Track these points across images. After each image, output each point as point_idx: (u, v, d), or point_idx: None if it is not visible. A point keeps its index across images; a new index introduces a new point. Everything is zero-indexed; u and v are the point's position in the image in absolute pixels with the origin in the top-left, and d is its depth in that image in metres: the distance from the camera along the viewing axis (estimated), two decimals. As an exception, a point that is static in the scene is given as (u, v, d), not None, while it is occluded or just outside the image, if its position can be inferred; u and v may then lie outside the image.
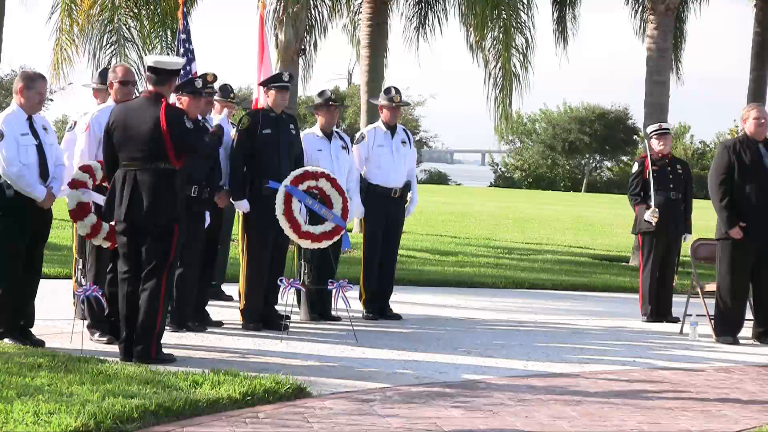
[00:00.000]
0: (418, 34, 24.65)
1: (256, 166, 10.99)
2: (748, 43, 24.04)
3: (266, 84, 11.35)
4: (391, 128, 12.27)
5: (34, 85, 9.39)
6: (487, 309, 13.65)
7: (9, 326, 9.34)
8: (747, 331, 11.73)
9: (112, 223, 9.28)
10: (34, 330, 9.49)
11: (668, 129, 13.37)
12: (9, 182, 9.22)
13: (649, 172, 12.96)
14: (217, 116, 11.51)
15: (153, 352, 8.95)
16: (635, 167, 13.26)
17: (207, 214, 10.72)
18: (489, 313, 13.30)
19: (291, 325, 11.06)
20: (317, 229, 10.81)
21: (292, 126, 11.27)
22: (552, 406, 8.10)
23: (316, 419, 7.36)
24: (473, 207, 41.68)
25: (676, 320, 12.67)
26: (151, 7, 20.68)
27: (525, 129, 78.77)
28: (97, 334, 9.81)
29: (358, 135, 12.47)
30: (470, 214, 36.33)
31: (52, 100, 50.28)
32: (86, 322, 9.81)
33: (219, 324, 11.00)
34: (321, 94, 11.87)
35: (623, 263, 21.10)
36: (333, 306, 11.59)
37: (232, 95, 12.15)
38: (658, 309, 12.95)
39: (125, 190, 9.00)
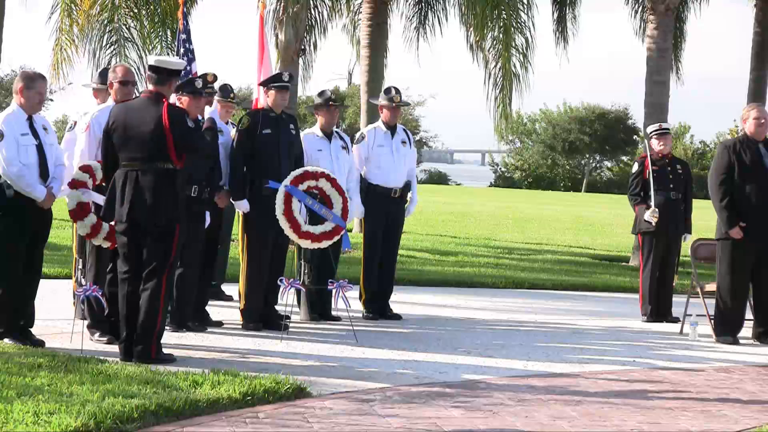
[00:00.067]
0: (418, 34, 24.66)
1: (256, 166, 10.99)
2: (748, 43, 24.06)
3: (266, 84, 11.35)
4: (391, 128, 12.27)
5: (34, 85, 9.39)
6: (487, 309, 13.65)
7: (9, 326, 9.35)
8: (747, 331, 11.73)
9: (112, 223, 9.28)
10: (34, 330, 9.49)
11: (668, 129, 13.37)
12: (9, 182, 9.22)
13: (649, 172, 12.96)
14: (208, 109, 11.42)
15: (153, 352, 8.95)
16: (635, 167, 13.26)
17: (207, 214, 10.72)
18: (489, 313, 13.30)
19: (291, 325, 11.06)
20: (317, 229, 10.81)
21: (292, 126, 11.27)
22: (552, 406, 8.10)
23: (316, 419, 7.36)
24: (473, 207, 41.68)
25: (676, 320, 12.67)
26: (151, 7, 20.67)
27: (525, 129, 78.78)
28: (97, 334, 9.81)
29: (358, 135, 12.47)
30: (470, 214, 36.33)
31: (52, 100, 50.27)
32: (86, 322, 9.81)
33: (219, 324, 11.01)
34: (321, 94, 11.87)
35: (623, 263, 21.09)
36: (333, 306, 11.59)
37: (232, 95, 12.14)
38: (658, 309, 12.95)
39: (126, 191, 9.00)
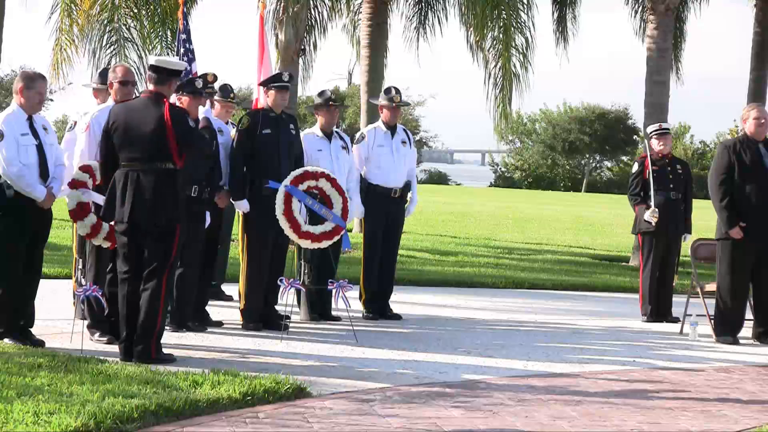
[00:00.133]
0: (418, 34, 24.66)
1: (256, 166, 10.99)
2: (748, 43, 24.06)
3: (266, 84, 11.35)
4: (391, 128, 12.27)
5: (34, 85, 9.39)
6: (487, 309, 13.65)
7: (9, 326, 9.35)
8: (747, 331, 11.73)
9: (112, 223, 9.28)
10: (34, 330, 9.49)
11: (668, 129, 13.37)
12: (9, 182, 9.22)
13: (649, 172, 12.96)
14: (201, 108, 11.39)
15: (153, 352, 8.95)
16: (635, 167, 13.26)
17: (207, 214, 10.72)
18: (489, 313, 13.30)
19: (291, 325, 11.06)
20: (317, 229, 10.81)
21: (292, 126, 11.27)
22: (552, 406, 8.10)
23: (316, 419, 7.36)
24: (473, 207, 41.68)
25: (676, 320, 12.67)
26: (151, 7, 20.67)
27: (525, 129, 78.79)
28: (97, 334, 9.81)
29: (358, 135, 12.47)
30: (470, 214, 36.32)
31: (52, 100, 50.26)
32: (86, 322, 9.81)
33: (219, 324, 11.01)
34: (321, 94, 11.87)
35: (623, 263, 21.10)
36: (333, 306, 11.59)
37: (232, 95, 12.13)
38: (658, 309, 12.95)
39: (127, 191, 8.99)
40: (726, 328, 11.62)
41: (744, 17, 27.00)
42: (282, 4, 19.40)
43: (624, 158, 75.47)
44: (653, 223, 12.84)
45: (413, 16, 24.68)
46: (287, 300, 10.88)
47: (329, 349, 10.10)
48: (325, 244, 10.88)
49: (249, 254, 11.02)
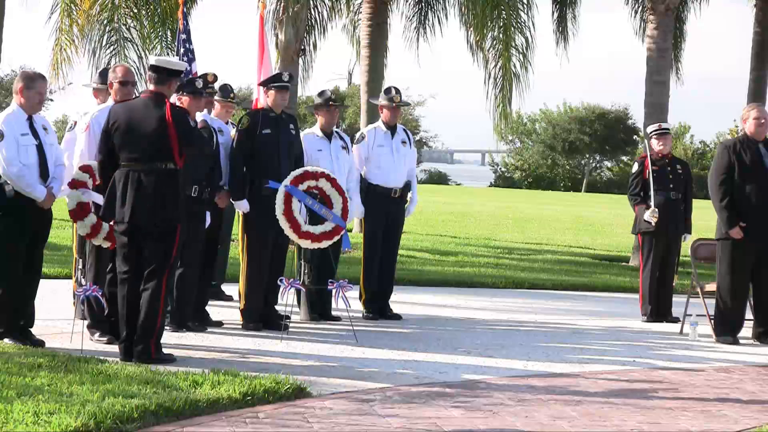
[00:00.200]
0: (418, 34, 24.66)
1: (255, 166, 10.99)
2: (748, 43, 24.06)
3: (266, 84, 11.35)
4: (391, 128, 12.27)
5: (34, 85, 9.39)
6: (487, 309, 13.65)
7: (9, 326, 9.34)
8: (747, 331, 11.73)
9: (111, 222, 9.28)
10: (34, 330, 9.49)
11: (668, 129, 13.37)
12: (9, 182, 9.22)
13: (649, 172, 12.96)
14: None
15: (153, 352, 8.95)
16: (635, 167, 13.26)
17: (207, 214, 10.72)
18: (489, 313, 13.30)
19: (291, 325, 11.06)
20: (317, 229, 10.81)
21: (292, 126, 11.27)
22: (552, 406, 8.10)
23: (316, 419, 7.36)
24: (473, 207, 41.68)
25: (676, 320, 12.67)
26: (151, 7, 20.66)
27: (525, 129, 78.78)
28: (97, 334, 9.81)
29: (358, 135, 12.47)
30: (470, 214, 36.32)
31: (52, 100, 50.25)
32: (86, 322, 9.81)
33: (219, 324, 11.01)
34: (321, 94, 11.87)
35: (623, 263, 21.09)
36: (333, 306, 11.59)
37: (232, 95, 12.14)
38: (658, 309, 12.95)
39: (128, 191, 8.99)
40: (726, 328, 11.62)
41: (744, 17, 27.00)
42: (282, 4, 19.41)
43: (624, 158, 75.47)
44: (653, 223, 12.84)
45: (413, 16, 24.69)
46: (287, 300, 10.88)
47: (329, 349, 10.10)
48: (325, 244, 10.88)
49: (249, 254, 11.02)
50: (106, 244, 9.60)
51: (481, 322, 12.45)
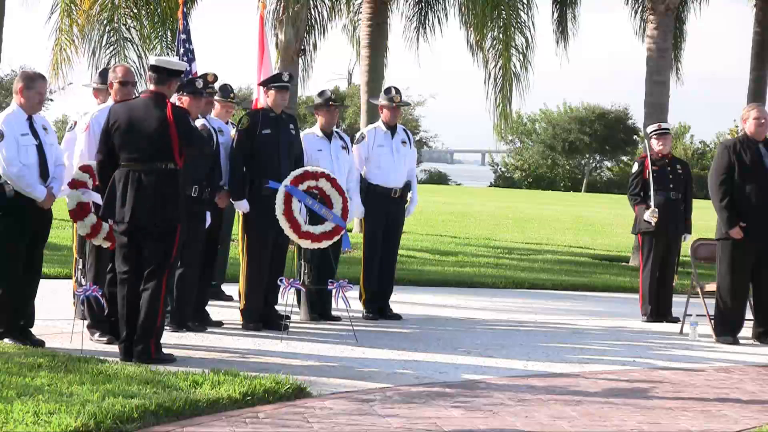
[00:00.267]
0: (418, 34, 24.66)
1: (255, 166, 10.99)
2: (748, 43, 24.06)
3: (266, 84, 11.35)
4: (392, 128, 12.27)
5: (34, 85, 9.39)
6: (487, 309, 13.65)
7: (9, 326, 9.34)
8: (747, 331, 11.73)
9: (111, 222, 9.27)
10: (34, 330, 9.49)
11: (668, 129, 13.37)
12: (9, 182, 9.22)
13: (649, 172, 12.96)
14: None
15: (153, 352, 8.95)
16: (635, 167, 13.26)
17: (208, 214, 10.72)
18: (489, 313, 13.30)
19: (291, 325, 11.06)
20: (317, 229, 10.81)
21: (291, 126, 11.27)
22: (552, 406, 8.10)
23: (316, 419, 7.36)
24: (473, 207, 41.68)
25: (676, 320, 12.67)
26: (151, 7, 20.66)
27: (525, 129, 78.78)
28: (97, 334, 9.81)
29: (358, 135, 12.47)
30: (470, 214, 36.33)
31: (52, 100, 50.25)
32: (86, 322, 9.81)
33: (219, 324, 11.00)
34: (321, 94, 11.87)
35: (623, 263, 21.09)
36: (333, 306, 11.59)
37: (232, 95, 12.14)
38: (658, 309, 12.95)
39: (128, 191, 8.98)
40: (726, 328, 11.62)
41: (744, 17, 27.00)
42: (282, 4, 19.41)
43: (624, 158, 75.46)
44: (653, 223, 12.84)
45: (413, 16, 24.69)
46: (287, 300, 10.88)
47: (329, 349, 10.10)
48: (325, 244, 10.88)
49: (249, 254, 11.02)
50: (106, 244, 9.60)
51: (481, 322, 12.45)
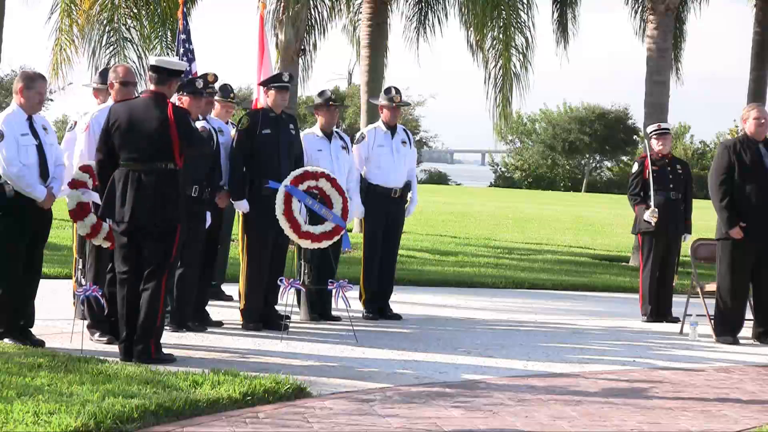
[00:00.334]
0: (418, 34, 24.66)
1: (255, 166, 10.99)
2: (748, 43, 24.06)
3: (266, 84, 11.35)
4: (392, 128, 12.27)
5: (34, 85, 9.39)
6: (487, 309, 13.65)
7: (9, 326, 9.34)
8: (747, 331, 11.73)
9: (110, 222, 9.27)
10: (34, 330, 9.49)
11: (668, 129, 13.36)
12: (9, 182, 9.22)
13: (649, 172, 12.96)
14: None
15: (153, 352, 8.95)
16: (635, 167, 13.26)
17: (208, 214, 10.72)
18: (489, 313, 13.30)
19: (291, 325, 11.05)
20: (317, 229, 10.81)
21: (291, 126, 11.27)
22: (552, 406, 8.10)
23: (316, 419, 7.36)
24: (473, 207, 41.68)
25: (676, 320, 12.67)
26: (151, 7, 20.66)
27: (525, 129, 78.79)
28: (97, 334, 9.81)
29: (358, 135, 12.47)
30: (470, 214, 36.33)
31: (52, 100, 50.24)
32: (86, 322, 9.81)
33: (219, 324, 11.00)
34: (321, 94, 11.87)
35: (623, 263, 21.09)
36: (333, 306, 11.59)
37: (232, 95, 12.15)
38: (658, 309, 12.95)
39: (128, 191, 8.98)
40: (726, 328, 11.62)
41: (744, 17, 27.01)
42: (282, 4, 19.41)
43: (624, 158, 75.46)
44: (653, 223, 12.84)
45: (413, 16, 24.69)
46: (287, 300, 10.88)
47: (329, 349, 10.10)
48: (325, 244, 10.88)
49: (249, 254, 11.02)
50: (106, 244, 9.60)
51: (481, 322, 12.45)
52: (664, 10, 20.39)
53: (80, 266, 10.18)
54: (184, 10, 13.20)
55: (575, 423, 7.61)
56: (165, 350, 9.11)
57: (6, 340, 9.29)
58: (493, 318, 12.84)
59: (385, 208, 12.09)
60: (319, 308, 11.74)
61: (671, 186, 13.01)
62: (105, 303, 9.38)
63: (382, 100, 12.35)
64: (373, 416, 7.54)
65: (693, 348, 11.25)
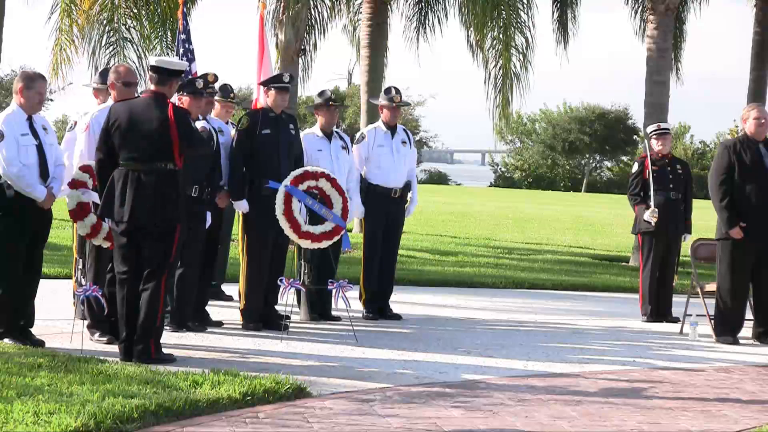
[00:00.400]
0: (418, 34, 24.66)
1: (255, 166, 10.99)
2: (748, 43, 24.06)
3: (267, 84, 11.35)
4: (392, 128, 12.27)
5: (34, 85, 9.39)
6: (487, 309, 13.65)
7: (9, 326, 9.34)
8: (747, 331, 11.73)
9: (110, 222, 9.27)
10: (34, 330, 9.49)
11: (667, 129, 13.36)
12: (9, 182, 9.22)
13: (648, 172, 12.96)
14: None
15: (153, 352, 8.95)
16: (635, 167, 13.26)
17: (208, 214, 10.72)
18: (489, 313, 13.30)
19: (291, 325, 11.05)
20: (317, 229, 10.80)
21: (291, 126, 11.27)
22: (552, 406, 8.10)
23: (316, 419, 7.36)
24: (473, 207, 41.68)
25: (676, 320, 12.67)
26: (151, 7, 20.66)
27: (525, 129, 78.80)
28: (97, 334, 9.81)
29: (358, 135, 12.47)
30: (470, 214, 36.33)
31: (52, 100, 50.24)
32: (86, 322, 9.81)
33: (219, 324, 11.01)
34: (321, 94, 11.87)
35: (623, 263, 21.09)
36: (333, 306, 11.59)
37: (232, 95, 12.15)
38: (658, 309, 12.95)
39: (127, 191, 8.98)
40: (726, 328, 11.62)
41: (744, 17, 27.00)
42: (282, 4, 19.41)
43: (624, 158, 75.47)
44: (653, 223, 12.84)
45: (413, 16, 24.69)
46: (287, 300, 10.88)
47: (329, 349, 10.10)
48: (325, 244, 10.88)
49: (249, 254, 11.02)
50: (106, 244, 9.60)
51: (481, 322, 12.45)
52: (664, 10, 20.40)
53: (80, 266, 10.18)
54: (184, 10, 13.21)
55: (575, 423, 7.61)
56: (165, 350, 9.11)
57: (6, 340, 9.29)
58: (493, 318, 12.84)
59: (385, 208, 12.09)
60: (319, 308, 11.74)
61: (671, 186, 13.01)
62: (105, 303, 9.38)
63: (382, 100, 12.35)
64: (373, 416, 7.54)
65: (693, 348, 11.25)
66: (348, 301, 10.67)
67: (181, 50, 12.53)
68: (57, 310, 11.02)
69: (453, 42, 26.20)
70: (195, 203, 10.35)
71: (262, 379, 8.07)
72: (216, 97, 11.46)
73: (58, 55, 20.59)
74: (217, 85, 11.39)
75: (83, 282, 9.88)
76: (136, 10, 20.83)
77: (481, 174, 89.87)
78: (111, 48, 20.61)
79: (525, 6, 20.52)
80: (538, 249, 23.78)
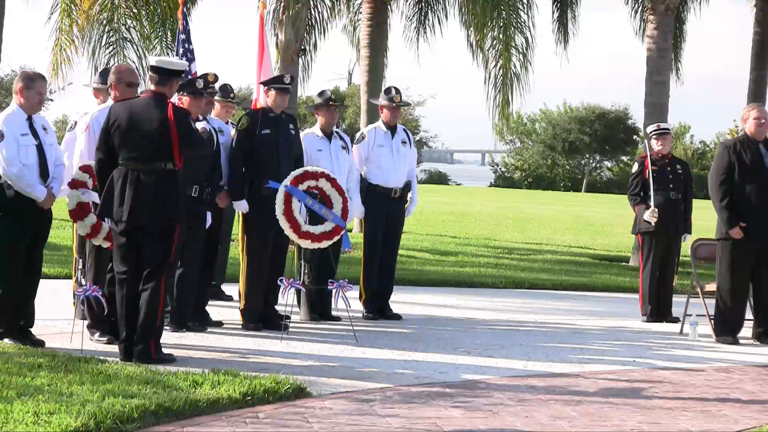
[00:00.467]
0: (418, 34, 24.67)
1: (255, 166, 10.99)
2: (748, 43, 24.06)
3: (267, 84, 11.35)
4: (392, 128, 12.27)
5: (33, 85, 9.39)
6: (487, 309, 13.65)
7: (9, 326, 9.34)
8: (747, 331, 11.73)
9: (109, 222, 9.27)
10: (34, 330, 9.49)
11: (667, 129, 13.36)
12: (9, 182, 9.22)
13: (648, 172, 12.96)
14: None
15: (153, 352, 8.94)
16: (635, 167, 13.26)
17: (208, 214, 10.72)
18: (489, 313, 13.30)
19: (291, 325, 11.06)
20: (317, 229, 10.80)
21: (291, 126, 11.27)
22: (552, 406, 8.10)
23: (316, 419, 7.36)
24: (473, 207, 41.68)
25: (676, 320, 12.67)
26: (151, 7, 20.66)
27: (525, 129, 78.80)
28: (97, 334, 9.81)
29: (358, 135, 12.47)
30: (470, 214, 36.33)
31: (52, 100, 50.24)
32: (86, 322, 9.81)
33: (219, 324, 11.01)
34: (321, 94, 11.87)
35: (623, 263, 21.09)
36: (333, 306, 11.59)
37: (232, 95, 12.15)
38: (658, 309, 12.95)
39: (127, 190, 8.98)
40: (726, 328, 11.62)
41: (744, 17, 27.00)
42: (282, 4, 19.41)
43: (624, 158, 75.48)
44: (653, 223, 12.84)
45: (413, 16, 24.69)
46: (287, 300, 10.88)
47: (329, 349, 10.10)
48: (325, 244, 10.88)
49: (249, 254, 11.02)
50: (106, 244, 9.60)
51: (481, 322, 12.45)
52: (664, 10, 20.39)
53: (80, 266, 10.18)
54: (184, 10, 13.21)
55: (575, 423, 7.61)
56: (165, 350, 9.11)
57: (6, 340, 9.29)
58: (493, 318, 12.84)
59: (385, 208, 12.09)
60: (319, 308, 11.74)
61: (671, 186, 13.01)
62: (105, 303, 9.38)
63: (382, 100, 12.35)
64: (373, 416, 7.54)
65: (693, 348, 11.25)
66: (348, 301, 10.67)
67: (181, 50, 12.53)
68: (57, 310, 11.02)
69: (453, 42, 26.23)
70: (195, 203, 10.36)
71: (262, 379, 8.07)
72: (216, 97, 11.46)
73: (58, 55, 20.59)
74: (217, 85, 11.38)
75: (83, 282, 9.88)
76: (136, 10, 20.84)
77: (481, 174, 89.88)
78: (111, 48, 20.62)
79: (525, 6, 20.53)
80: (538, 249, 23.78)
